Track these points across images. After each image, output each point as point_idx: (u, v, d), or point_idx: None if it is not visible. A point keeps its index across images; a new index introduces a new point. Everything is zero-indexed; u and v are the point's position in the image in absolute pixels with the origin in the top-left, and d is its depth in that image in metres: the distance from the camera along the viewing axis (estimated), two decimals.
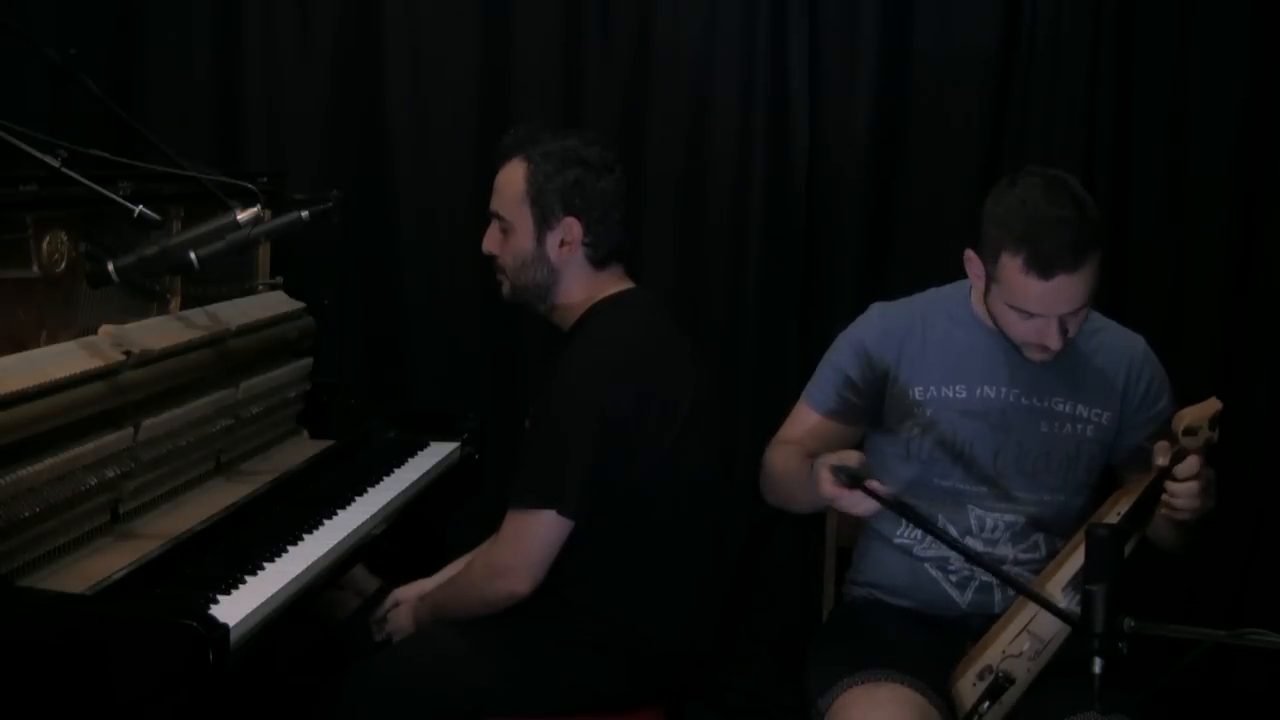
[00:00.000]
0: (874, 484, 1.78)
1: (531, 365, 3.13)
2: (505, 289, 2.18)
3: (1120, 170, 2.96)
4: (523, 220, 2.10)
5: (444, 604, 2.13)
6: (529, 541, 1.99)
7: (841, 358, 2.15)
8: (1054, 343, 1.94)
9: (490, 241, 2.16)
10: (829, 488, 1.80)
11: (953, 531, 2.09)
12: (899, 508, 1.83)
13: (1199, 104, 2.93)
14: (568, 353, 2.09)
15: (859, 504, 1.80)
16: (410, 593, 2.23)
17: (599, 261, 2.13)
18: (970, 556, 1.90)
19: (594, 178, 2.08)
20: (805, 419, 2.17)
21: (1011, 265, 1.90)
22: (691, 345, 2.22)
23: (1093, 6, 2.91)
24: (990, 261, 1.95)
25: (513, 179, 2.10)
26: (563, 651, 2.04)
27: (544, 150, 2.09)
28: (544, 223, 2.09)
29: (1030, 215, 1.89)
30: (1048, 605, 1.73)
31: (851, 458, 1.83)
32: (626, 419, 2.00)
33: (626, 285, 2.17)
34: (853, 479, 1.79)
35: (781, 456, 2.11)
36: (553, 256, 2.10)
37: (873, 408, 2.13)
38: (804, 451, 2.06)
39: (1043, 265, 1.87)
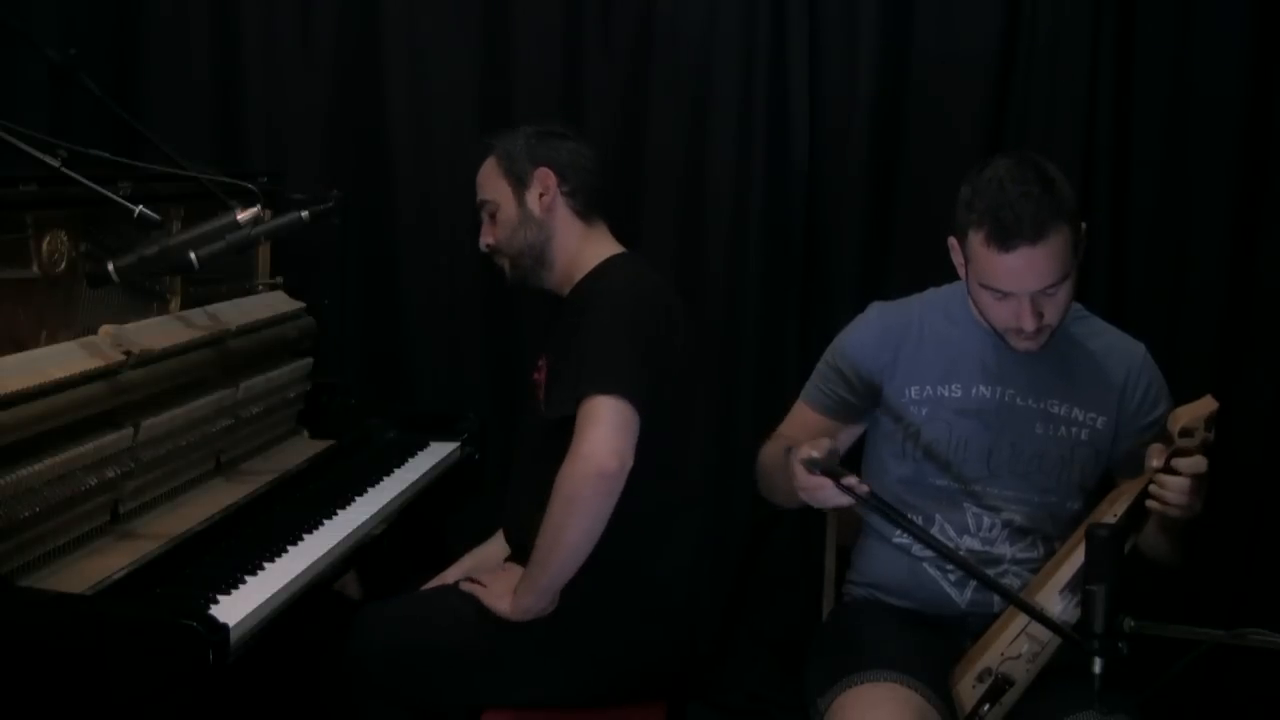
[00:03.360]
0: (850, 480, 1.78)
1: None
2: (506, 269, 2.24)
3: (1120, 170, 2.96)
4: (502, 193, 2.20)
5: (537, 560, 2.00)
6: (605, 423, 1.94)
7: (838, 357, 2.16)
8: (1028, 324, 1.93)
9: (484, 234, 2.26)
10: (803, 477, 1.81)
11: (950, 530, 2.09)
12: (875, 505, 1.83)
13: (1199, 104, 2.93)
14: (599, 286, 2.13)
15: (832, 497, 1.80)
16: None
17: (583, 214, 2.21)
18: (951, 556, 1.91)
19: (555, 139, 2.22)
20: (802, 416, 2.19)
21: (976, 240, 1.92)
22: (685, 309, 2.25)
23: (1093, 6, 2.91)
24: (962, 242, 1.97)
25: (486, 168, 2.24)
26: (576, 628, 2.04)
27: (508, 135, 2.24)
28: (520, 184, 2.19)
29: (995, 191, 1.90)
30: (1039, 616, 1.73)
31: (821, 446, 1.82)
32: (658, 341, 2.06)
33: (621, 249, 2.23)
34: (826, 473, 1.79)
35: (770, 449, 2.13)
36: (536, 210, 2.19)
37: (868, 407, 2.14)
38: (790, 444, 2.07)
39: (1002, 237, 1.88)
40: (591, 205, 2.23)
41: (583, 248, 2.20)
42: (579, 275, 2.18)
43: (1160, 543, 2.01)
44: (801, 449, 1.83)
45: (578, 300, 2.15)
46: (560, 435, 2.00)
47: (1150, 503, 1.88)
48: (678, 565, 2.19)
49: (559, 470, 1.97)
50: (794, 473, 1.83)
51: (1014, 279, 1.91)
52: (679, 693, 2.22)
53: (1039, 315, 1.93)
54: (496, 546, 2.33)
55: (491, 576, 2.12)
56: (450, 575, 2.28)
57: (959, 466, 2.08)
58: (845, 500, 1.80)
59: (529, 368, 2.27)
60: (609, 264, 2.18)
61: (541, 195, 2.18)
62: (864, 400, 2.14)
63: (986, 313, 2.00)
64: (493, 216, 2.22)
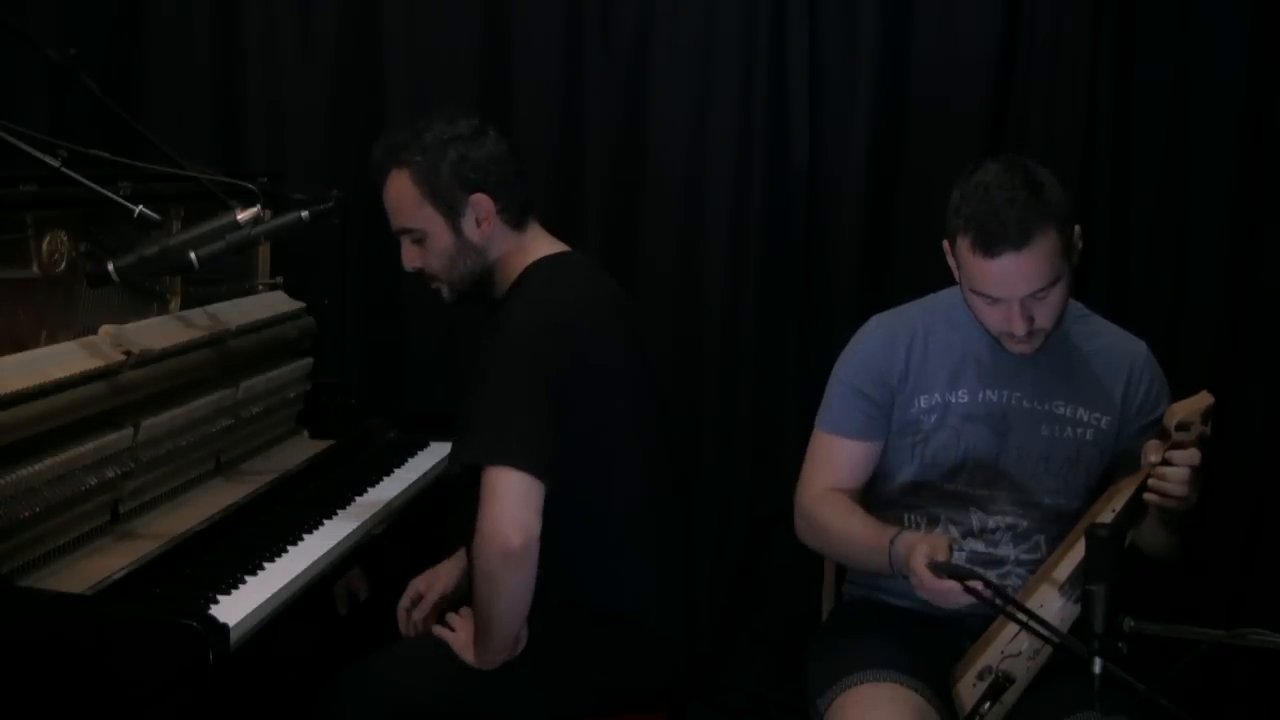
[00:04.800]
0: (976, 583, 1.77)
1: None
2: (445, 293, 2.13)
3: (1120, 170, 2.96)
4: (432, 222, 2.05)
5: (478, 625, 1.98)
6: (504, 497, 1.87)
7: (852, 375, 2.13)
8: (1018, 328, 1.93)
9: (409, 258, 2.10)
10: (931, 583, 1.80)
11: (954, 532, 2.09)
12: (1000, 606, 1.82)
13: (1199, 104, 2.93)
14: (504, 312, 2.04)
15: (958, 599, 1.79)
16: (435, 585, 2.23)
17: (517, 223, 2.09)
18: (1039, 633, 1.86)
19: (474, 147, 2.04)
20: (835, 450, 2.13)
21: (964, 246, 1.92)
22: (628, 308, 2.18)
23: (1093, 6, 2.91)
24: (953, 247, 1.96)
25: (401, 190, 2.05)
26: (560, 652, 2.03)
27: (418, 147, 2.03)
28: (453, 213, 2.04)
29: (980, 197, 1.90)
30: (1045, 637, 1.73)
31: (942, 549, 1.82)
32: (565, 377, 1.96)
33: (558, 247, 2.13)
34: (954, 575, 1.78)
35: (839, 515, 2.07)
36: (476, 239, 2.06)
37: (889, 418, 2.12)
38: (861, 510, 2.05)
39: (987, 243, 1.87)
40: (524, 211, 2.10)
41: (517, 256, 2.09)
42: (509, 282, 2.09)
43: (1159, 538, 2.02)
44: (918, 549, 1.82)
45: (492, 321, 2.06)
46: (473, 480, 1.94)
47: (1148, 495, 1.89)
48: (637, 589, 2.08)
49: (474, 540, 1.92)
50: (918, 574, 1.81)
51: (1001, 285, 1.91)
52: (679, 694, 2.22)
53: (1029, 319, 1.93)
54: None
55: (462, 621, 2.06)
56: (444, 571, 2.27)
57: (966, 471, 2.08)
58: (969, 600, 1.79)
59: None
60: (530, 273, 2.07)
61: (480, 223, 2.05)
62: (881, 414, 2.11)
63: (979, 317, 2.00)
64: (419, 242, 2.07)
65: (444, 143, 2.03)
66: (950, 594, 1.80)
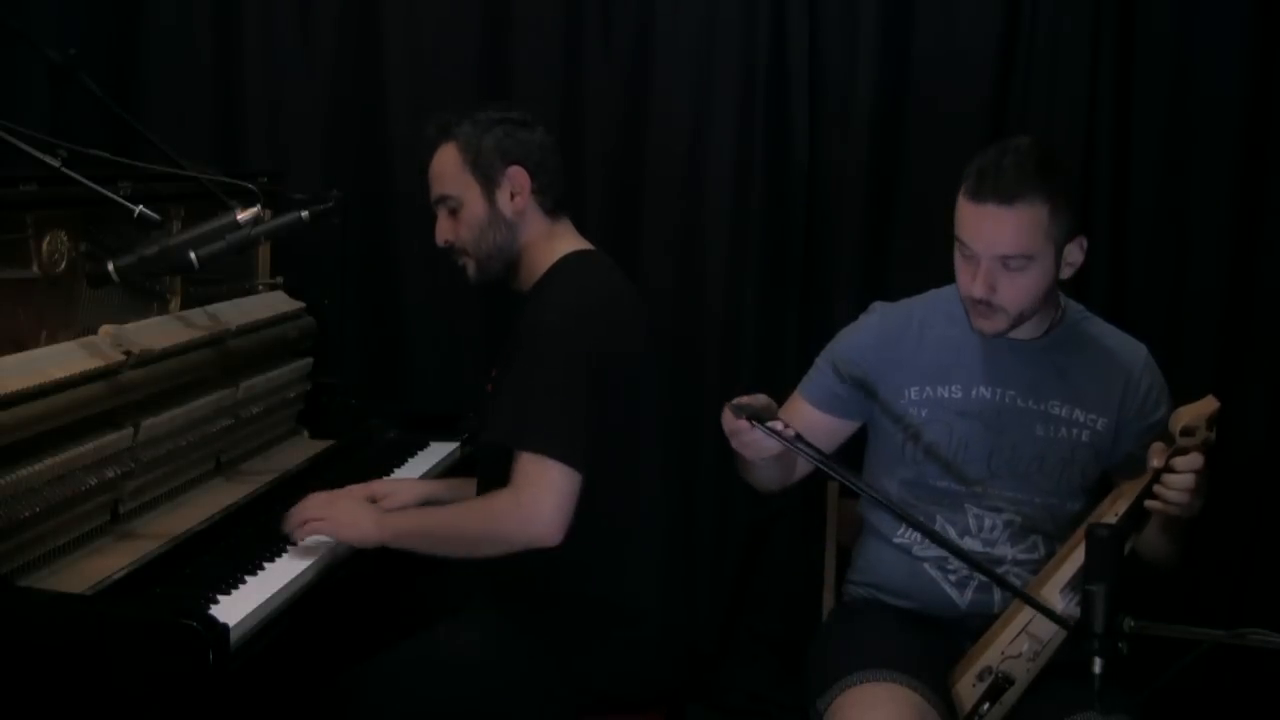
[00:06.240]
0: (776, 424, 1.80)
1: None
2: (470, 269, 2.17)
3: (1120, 170, 2.96)
4: (469, 189, 2.12)
5: (433, 530, 2.03)
6: (552, 491, 1.93)
7: (836, 354, 2.17)
8: (977, 290, 1.93)
9: (442, 231, 2.16)
10: (730, 421, 1.84)
11: (951, 531, 2.09)
12: (806, 451, 1.81)
13: (1199, 104, 2.93)
14: (545, 300, 2.08)
15: (759, 439, 1.83)
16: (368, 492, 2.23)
17: (550, 211, 2.15)
18: (934, 536, 1.92)
19: (521, 130, 2.14)
20: (795, 408, 2.19)
21: (961, 193, 1.95)
22: (643, 305, 2.21)
23: (1093, 6, 2.91)
24: (956, 205, 1.98)
25: (445, 159, 2.14)
26: (564, 647, 2.03)
27: (469, 121, 2.14)
28: (490, 182, 2.11)
29: (993, 152, 1.95)
30: (1039, 606, 1.73)
31: (758, 400, 1.85)
32: (602, 367, 2.00)
33: (585, 244, 2.18)
34: (752, 416, 1.80)
35: None
36: (508, 212, 2.12)
37: (864, 405, 2.14)
38: None
39: (977, 189, 1.91)
40: (558, 202, 2.16)
41: (545, 246, 2.14)
42: (537, 274, 2.13)
43: (1161, 544, 2.02)
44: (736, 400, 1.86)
45: (529, 308, 2.09)
46: (506, 459, 1.97)
47: (1151, 503, 1.89)
48: (645, 583, 2.11)
49: (499, 494, 1.96)
50: (723, 420, 1.86)
51: (975, 232, 1.93)
52: (679, 694, 2.22)
53: (991, 287, 1.94)
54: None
55: (325, 502, 2.06)
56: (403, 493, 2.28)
57: (960, 468, 2.08)
58: (772, 444, 1.83)
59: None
60: (561, 266, 2.12)
61: (514, 196, 2.11)
62: (853, 395, 2.14)
63: (958, 280, 2.01)
64: (454, 212, 2.14)
65: (494, 121, 2.13)
66: (745, 433, 1.84)
